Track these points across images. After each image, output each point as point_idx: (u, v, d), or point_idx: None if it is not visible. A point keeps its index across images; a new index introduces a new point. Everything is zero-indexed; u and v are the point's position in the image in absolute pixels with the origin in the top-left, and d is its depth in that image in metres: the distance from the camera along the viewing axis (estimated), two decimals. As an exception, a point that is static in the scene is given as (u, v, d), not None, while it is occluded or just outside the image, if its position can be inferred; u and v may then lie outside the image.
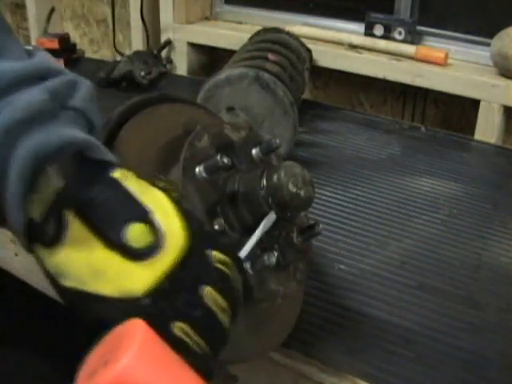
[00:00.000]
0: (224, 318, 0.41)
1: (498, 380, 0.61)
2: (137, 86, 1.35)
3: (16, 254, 0.85)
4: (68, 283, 0.40)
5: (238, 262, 0.44)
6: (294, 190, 0.49)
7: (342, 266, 0.77)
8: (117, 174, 0.42)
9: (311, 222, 0.59)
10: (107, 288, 0.39)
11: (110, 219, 0.40)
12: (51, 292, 0.43)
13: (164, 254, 0.40)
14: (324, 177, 1.01)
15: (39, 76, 0.43)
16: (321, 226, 0.57)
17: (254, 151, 0.56)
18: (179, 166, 0.51)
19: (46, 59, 0.45)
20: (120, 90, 1.36)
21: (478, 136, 1.23)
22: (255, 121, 0.95)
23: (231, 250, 0.45)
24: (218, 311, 0.41)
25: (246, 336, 0.54)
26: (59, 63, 0.45)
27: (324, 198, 0.94)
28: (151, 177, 0.47)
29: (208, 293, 0.41)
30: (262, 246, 0.52)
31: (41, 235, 0.40)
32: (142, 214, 0.41)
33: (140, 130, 0.54)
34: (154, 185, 0.45)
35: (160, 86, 1.39)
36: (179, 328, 0.39)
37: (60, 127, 0.41)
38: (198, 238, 0.42)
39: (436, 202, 0.95)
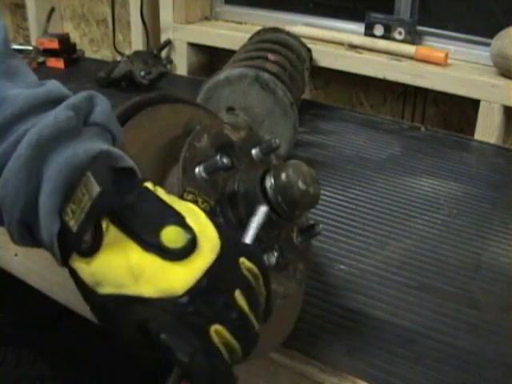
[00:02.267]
0: (254, 321, 0.43)
1: (498, 380, 0.61)
2: (137, 86, 1.35)
3: (16, 254, 0.85)
4: (105, 290, 0.41)
5: (263, 269, 0.46)
6: (304, 187, 0.49)
7: (342, 266, 0.77)
8: (147, 183, 0.44)
9: (311, 222, 0.59)
10: (147, 289, 0.40)
11: (147, 223, 0.42)
12: (50, 292, 0.43)
13: (201, 254, 0.42)
14: (324, 177, 1.01)
15: (55, 100, 0.45)
16: (321, 226, 0.57)
17: (253, 151, 0.56)
18: (179, 166, 0.51)
19: (57, 85, 0.47)
20: (120, 89, 1.36)
21: (477, 136, 1.23)
22: (255, 121, 0.95)
23: (259, 259, 0.46)
24: (248, 313, 0.43)
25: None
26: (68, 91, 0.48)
27: (324, 197, 0.94)
28: (179, 190, 0.48)
29: (239, 296, 0.43)
30: (262, 246, 0.52)
31: (78, 245, 0.41)
32: (176, 218, 0.42)
33: (140, 130, 0.54)
34: (182, 198, 0.47)
35: (160, 86, 1.39)
36: (216, 331, 0.41)
37: (86, 141, 0.43)
38: (230, 244, 0.44)
39: (436, 202, 0.95)
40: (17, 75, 0.46)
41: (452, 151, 1.15)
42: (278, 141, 0.55)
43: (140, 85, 1.35)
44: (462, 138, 1.23)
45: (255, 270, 0.45)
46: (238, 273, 0.44)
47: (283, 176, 0.50)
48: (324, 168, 1.05)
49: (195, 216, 0.44)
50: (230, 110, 0.95)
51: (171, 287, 0.40)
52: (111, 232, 0.41)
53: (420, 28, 1.37)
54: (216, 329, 0.41)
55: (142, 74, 1.35)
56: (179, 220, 0.42)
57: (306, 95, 1.42)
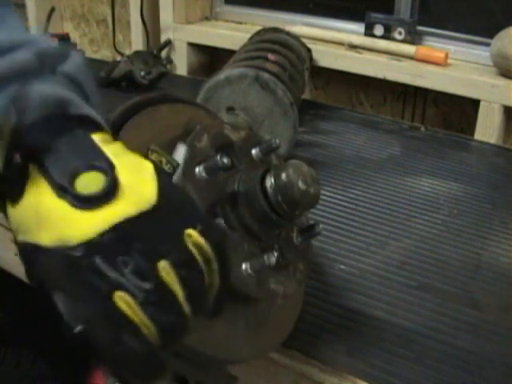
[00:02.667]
0: (184, 306, 0.37)
1: (498, 380, 0.61)
2: (137, 86, 1.35)
3: (16, 254, 0.85)
4: (20, 237, 0.39)
5: (220, 254, 0.40)
6: (304, 187, 0.49)
7: (342, 266, 0.77)
8: (95, 135, 0.40)
9: (311, 222, 0.59)
10: (46, 236, 0.37)
11: (64, 166, 0.38)
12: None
13: (116, 205, 0.37)
14: (324, 177, 1.01)
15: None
16: (321, 226, 0.57)
17: (253, 151, 0.56)
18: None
19: (44, 37, 0.46)
20: (120, 89, 1.36)
21: (477, 136, 1.23)
22: (255, 121, 0.95)
23: (218, 239, 0.40)
24: (177, 292, 0.37)
25: (245, 336, 0.54)
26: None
27: (324, 197, 0.94)
28: (146, 148, 0.47)
29: (166, 269, 0.37)
30: (262, 246, 0.52)
31: (11, 191, 0.39)
32: (102, 164, 0.38)
33: (140, 130, 0.54)
34: (147, 157, 0.43)
35: (160, 86, 1.39)
36: (121, 298, 0.35)
37: (43, 84, 0.40)
38: (177, 209, 0.39)
39: (436, 202, 0.95)
40: (5, 21, 0.43)
41: (452, 151, 1.15)
42: (278, 141, 0.55)
43: (140, 85, 1.35)
44: (462, 138, 1.23)
45: (207, 250, 0.39)
46: (174, 242, 0.38)
47: (283, 176, 0.50)
48: (324, 168, 1.05)
49: (138, 170, 0.39)
50: (230, 110, 0.95)
51: (68, 235, 0.36)
52: (34, 175, 0.39)
53: (420, 28, 1.37)
54: (121, 295, 0.35)
55: (142, 73, 1.35)
56: (103, 167, 0.38)
57: (306, 95, 1.42)
